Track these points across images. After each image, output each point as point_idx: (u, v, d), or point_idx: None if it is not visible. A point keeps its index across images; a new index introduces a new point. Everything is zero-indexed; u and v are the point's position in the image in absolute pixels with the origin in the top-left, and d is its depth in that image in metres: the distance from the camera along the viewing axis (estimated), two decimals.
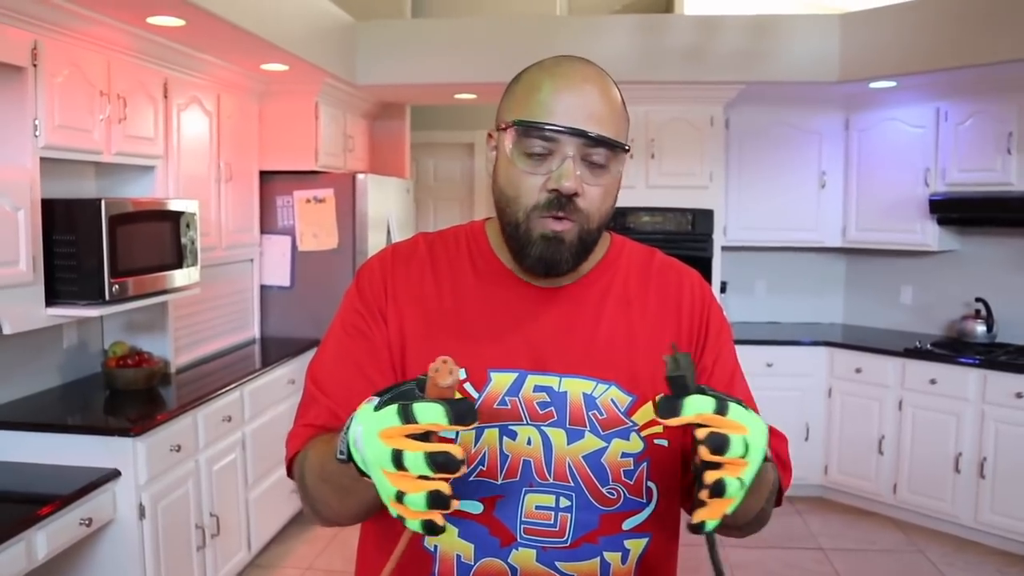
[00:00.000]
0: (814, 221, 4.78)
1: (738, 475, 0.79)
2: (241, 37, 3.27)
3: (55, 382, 3.17)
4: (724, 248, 4.77)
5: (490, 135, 1.06)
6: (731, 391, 1.05)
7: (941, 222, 4.32)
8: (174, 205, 3.25)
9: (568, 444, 1.01)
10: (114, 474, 2.60)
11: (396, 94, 5.02)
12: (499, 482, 1.00)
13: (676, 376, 0.80)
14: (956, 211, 4.24)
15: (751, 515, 1.00)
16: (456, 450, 0.75)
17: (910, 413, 4.16)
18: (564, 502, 1.00)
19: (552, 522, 1.00)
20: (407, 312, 1.06)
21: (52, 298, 2.71)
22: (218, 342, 4.08)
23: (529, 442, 1.00)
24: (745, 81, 4.39)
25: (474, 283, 1.08)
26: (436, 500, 0.75)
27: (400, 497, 0.76)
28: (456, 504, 0.77)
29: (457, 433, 0.93)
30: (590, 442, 1.01)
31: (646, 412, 1.02)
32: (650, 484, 1.03)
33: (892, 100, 4.46)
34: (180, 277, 3.28)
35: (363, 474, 0.80)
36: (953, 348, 4.22)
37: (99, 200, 2.76)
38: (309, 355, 3.56)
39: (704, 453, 0.78)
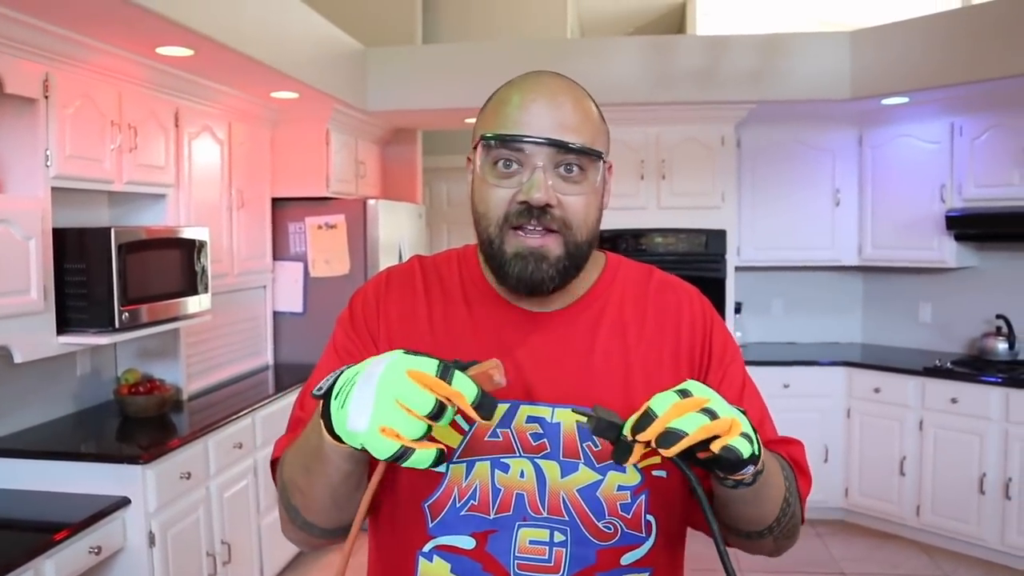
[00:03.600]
0: (829, 239, 4.74)
1: (740, 433, 0.81)
2: (250, 66, 3.30)
3: (69, 410, 3.18)
4: (738, 268, 4.74)
5: (468, 159, 1.04)
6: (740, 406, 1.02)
7: (959, 238, 4.26)
8: (185, 233, 3.27)
9: (562, 477, 0.97)
10: (123, 502, 2.59)
11: (407, 119, 5.05)
12: (491, 516, 0.97)
13: (603, 429, 0.84)
14: (974, 227, 4.19)
15: (774, 510, 0.96)
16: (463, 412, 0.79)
17: (932, 433, 4.08)
18: (559, 536, 0.97)
19: (547, 557, 0.96)
20: (398, 337, 1.04)
21: (63, 326, 2.73)
22: (231, 368, 4.09)
23: (522, 475, 0.97)
24: (756, 100, 4.38)
25: (464, 308, 1.06)
26: (440, 458, 0.79)
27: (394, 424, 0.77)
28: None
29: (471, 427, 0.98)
30: (584, 475, 0.98)
31: None
32: (649, 517, 1.00)
33: (905, 116, 4.42)
34: (192, 304, 3.29)
35: (328, 424, 0.80)
36: (974, 366, 4.14)
37: (109, 229, 2.78)
38: None
39: (666, 453, 0.80)
